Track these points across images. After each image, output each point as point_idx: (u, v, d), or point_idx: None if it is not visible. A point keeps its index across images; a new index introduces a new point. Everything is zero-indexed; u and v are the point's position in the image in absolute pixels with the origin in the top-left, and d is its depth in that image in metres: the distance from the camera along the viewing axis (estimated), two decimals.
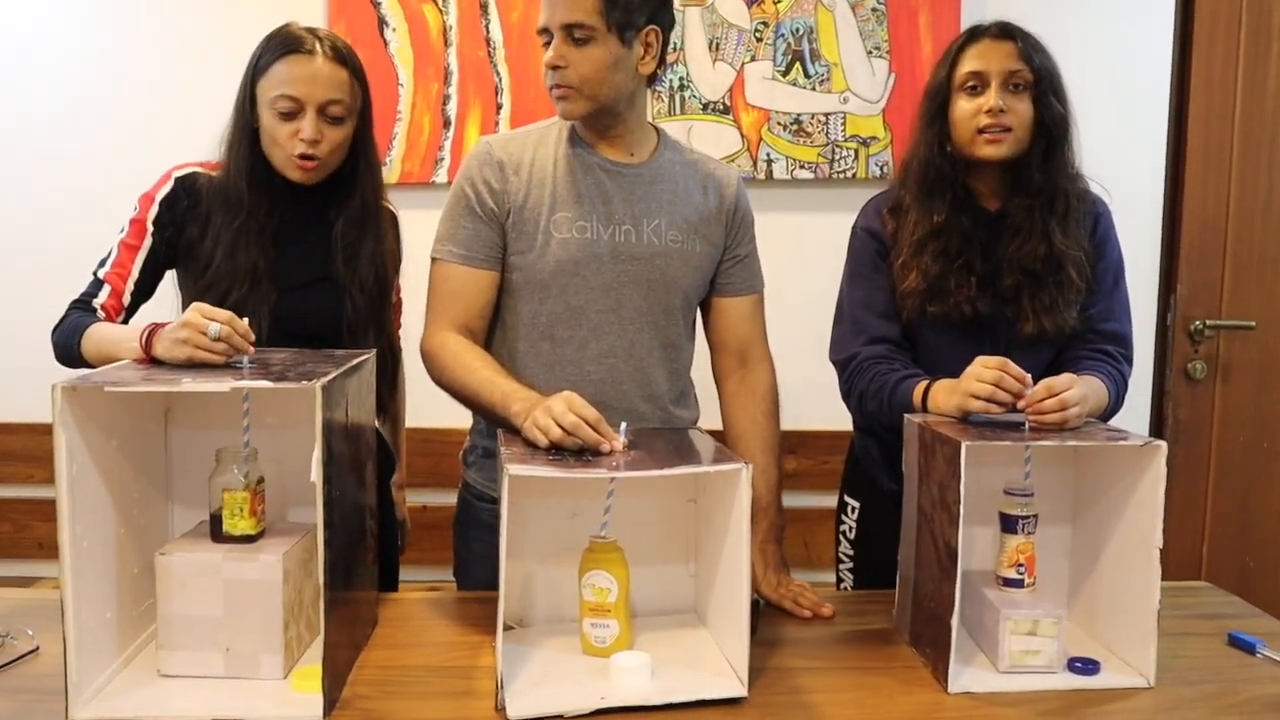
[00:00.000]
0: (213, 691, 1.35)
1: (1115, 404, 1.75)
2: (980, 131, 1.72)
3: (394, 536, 2.10)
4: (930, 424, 1.51)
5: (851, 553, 2.01)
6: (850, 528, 2.01)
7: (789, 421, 2.75)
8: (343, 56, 1.76)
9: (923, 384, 1.66)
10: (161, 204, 1.76)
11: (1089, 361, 1.74)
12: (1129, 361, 1.79)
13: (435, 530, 2.71)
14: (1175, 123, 2.80)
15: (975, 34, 1.77)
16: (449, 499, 2.05)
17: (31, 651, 1.49)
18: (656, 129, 1.87)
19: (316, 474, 1.28)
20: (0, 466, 2.80)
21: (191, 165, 1.80)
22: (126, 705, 1.31)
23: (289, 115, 1.71)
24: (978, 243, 1.76)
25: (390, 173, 2.67)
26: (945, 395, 1.59)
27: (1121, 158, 2.71)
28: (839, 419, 2.10)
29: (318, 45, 1.73)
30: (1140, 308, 2.75)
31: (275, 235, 1.77)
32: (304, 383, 1.28)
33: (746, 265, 1.89)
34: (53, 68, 2.76)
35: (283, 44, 1.73)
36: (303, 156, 1.72)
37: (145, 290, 1.78)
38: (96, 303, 1.71)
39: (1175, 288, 2.82)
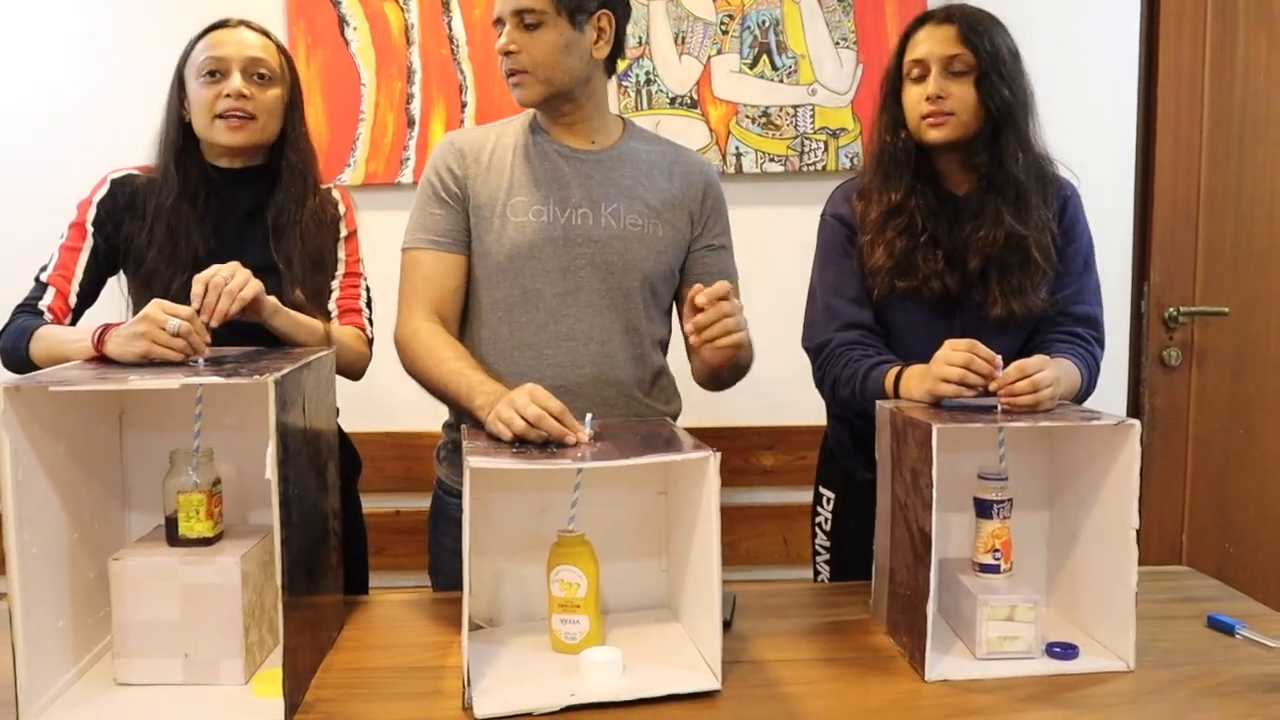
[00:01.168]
0: (171, 699, 1.31)
1: (1088, 387, 1.73)
2: (924, 117, 1.72)
3: (362, 539, 2.05)
4: (902, 409, 1.48)
5: (828, 544, 1.99)
6: (826, 519, 1.99)
7: (764, 418, 2.76)
8: (265, 31, 1.81)
9: (894, 370, 1.64)
10: (99, 205, 1.76)
11: (1061, 344, 1.73)
12: (1101, 344, 1.78)
13: (409, 535, 2.68)
14: (1144, 110, 2.79)
15: (922, 20, 1.76)
16: (422, 503, 2.02)
17: None
18: (625, 120, 1.87)
19: (271, 471, 1.24)
20: None
21: (127, 169, 1.81)
22: (81, 715, 1.27)
23: (214, 79, 1.73)
24: (945, 220, 1.75)
25: (355, 174, 2.64)
26: (917, 381, 1.57)
27: (1091, 145, 2.70)
28: (815, 414, 2.08)
29: (238, 22, 1.78)
30: (1114, 295, 2.75)
31: (215, 226, 1.76)
32: (256, 378, 1.25)
33: (719, 256, 1.87)
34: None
35: (207, 26, 1.78)
36: (232, 114, 1.72)
37: (89, 293, 1.76)
38: (42, 305, 1.68)
39: (1148, 275, 2.81)
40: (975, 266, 1.72)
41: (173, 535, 1.39)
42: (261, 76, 1.75)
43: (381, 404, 2.58)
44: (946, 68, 1.70)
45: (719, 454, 1.34)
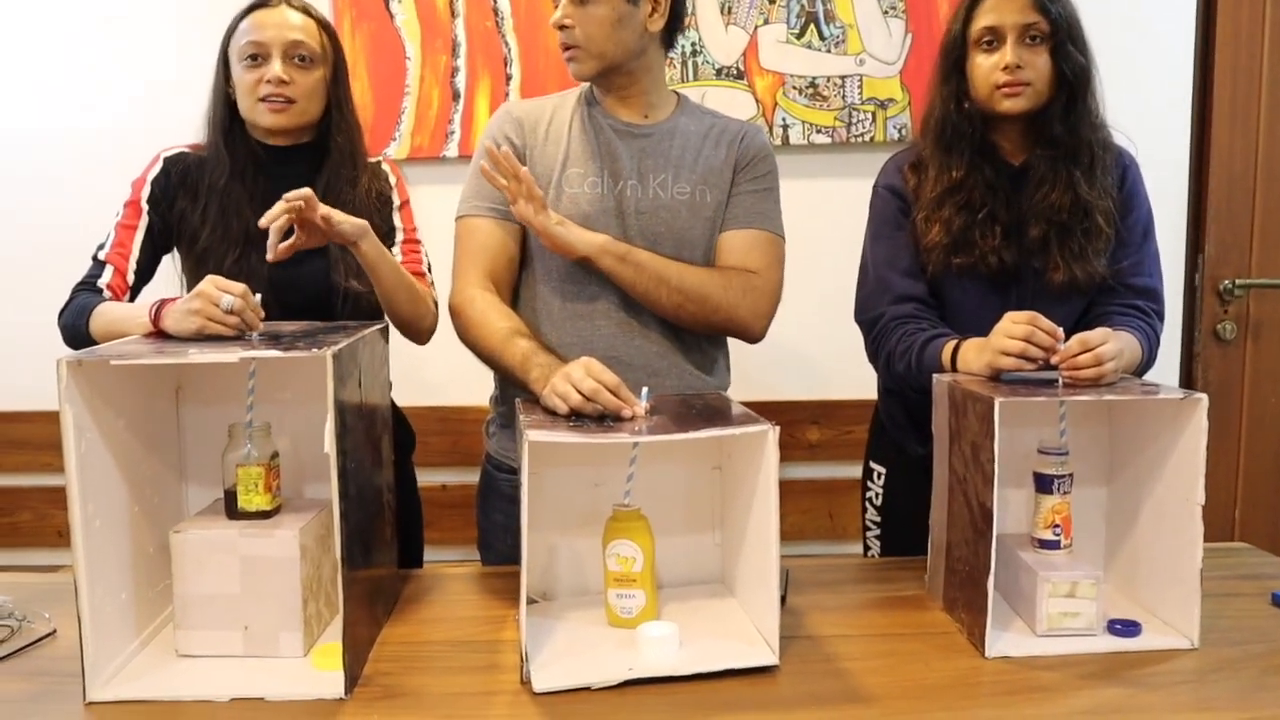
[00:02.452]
0: (232, 671, 1.32)
1: (1148, 360, 1.70)
2: (999, 87, 1.68)
3: (417, 513, 2.06)
4: (961, 383, 1.46)
5: (879, 519, 1.97)
6: (877, 494, 1.97)
7: (810, 392, 2.74)
8: (307, 9, 1.80)
9: (951, 343, 1.62)
10: (153, 183, 1.78)
11: (1120, 317, 1.70)
12: (1160, 317, 1.75)
13: (456, 509, 2.69)
14: (1200, 77, 2.72)
15: None
16: (469, 478, 2.02)
17: (49, 635, 1.46)
18: (679, 95, 1.87)
19: (330, 445, 1.24)
20: (18, 455, 2.77)
21: (179, 147, 1.82)
22: (145, 687, 1.29)
23: (256, 62, 1.74)
24: (1002, 194, 1.72)
25: (400, 148, 2.63)
26: (975, 353, 1.54)
27: (1145, 114, 2.62)
28: (862, 388, 2.06)
29: (283, 1, 1.78)
30: (1167, 268, 2.69)
31: (264, 202, 1.73)
32: (313, 351, 1.25)
33: (752, 200, 1.80)
34: (49, 57, 2.72)
35: (248, 7, 1.78)
36: (272, 98, 1.73)
37: (146, 270, 1.78)
38: (101, 283, 1.71)
39: (1203, 247, 2.75)
40: (1037, 234, 1.70)
41: (232, 508, 1.40)
42: (303, 59, 1.75)
43: (428, 378, 2.59)
44: (1023, 36, 1.67)
45: (778, 427, 1.32)
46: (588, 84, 1.81)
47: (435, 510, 2.61)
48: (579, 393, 1.40)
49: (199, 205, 1.76)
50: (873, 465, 2.00)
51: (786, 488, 2.74)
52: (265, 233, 1.68)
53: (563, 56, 1.74)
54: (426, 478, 2.57)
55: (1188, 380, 2.81)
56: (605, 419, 1.39)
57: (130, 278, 1.73)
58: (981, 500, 1.35)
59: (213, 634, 1.36)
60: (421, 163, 2.62)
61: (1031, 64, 1.67)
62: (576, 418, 1.41)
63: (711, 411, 1.45)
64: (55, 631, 1.46)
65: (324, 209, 1.59)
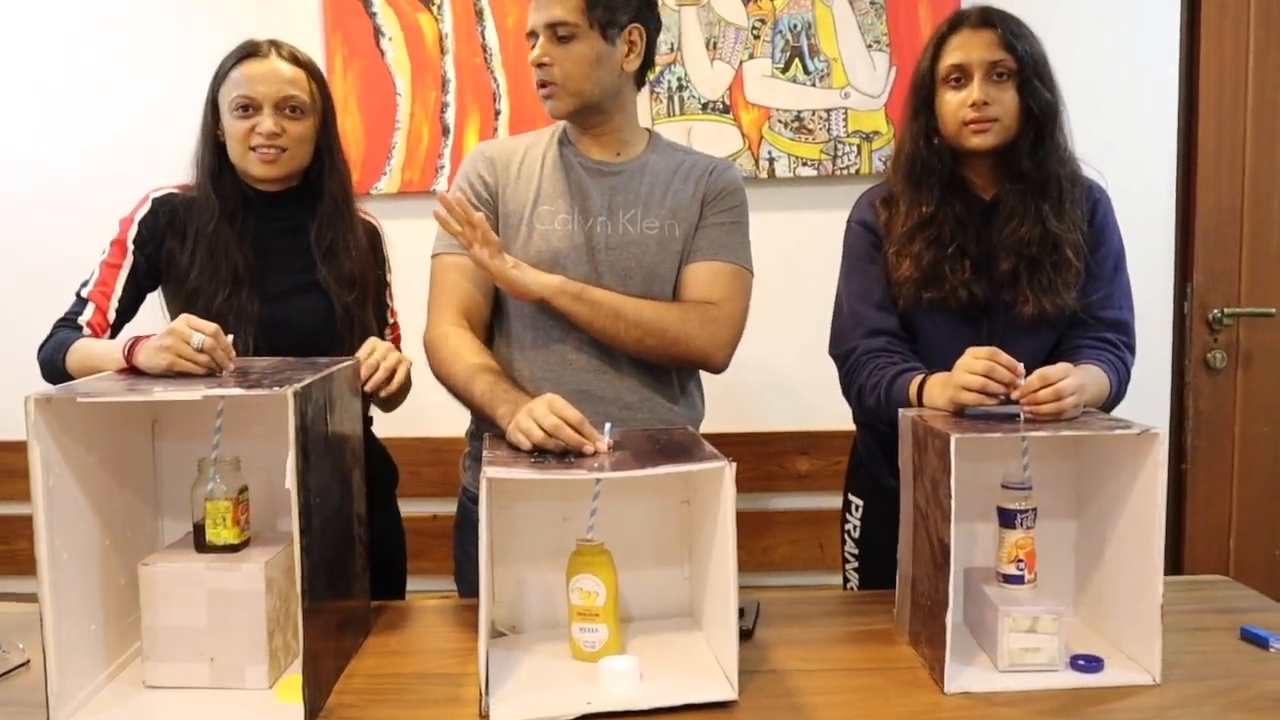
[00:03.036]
0: (197, 703, 1.34)
1: (1117, 394, 1.71)
2: (966, 124, 1.69)
3: (400, 546, 2.08)
4: (923, 418, 1.47)
5: (857, 552, 1.98)
6: (855, 526, 1.98)
7: (799, 423, 2.75)
8: (298, 59, 1.80)
9: (918, 378, 1.63)
10: (140, 224, 1.80)
11: (1089, 350, 1.70)
12: (1131, 350, 1.75)
13: (445, 539, 2.68)
14: (1186, 108, 2.73)
15: (956, 23, 1.74)
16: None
17: (22, 665, 1.48)
18: (650, 132, 1.89)
19: (291, 480, 1.26)
20: (17, 484, 2.80)
21: (168, 187, 1.84)
22: (109, 717, 1.30)
23: (246, 113, 1.75)
24: (972, 229, 1.73)
25: (391, 182, 2.67)
26: (939, 389, 1.56)
27: (1131, 143, 2.65)
28: (850, 419, 2.06)
29: (273, 50, 1.79)
30: (1155, 297, 2.72)
31: (254, 243, 1.79)
32: (275, 389, 1.27)
33: (718, 233, 1.81)
34: (38, 86, 2.77)
35: (240, 51, 1.78)
36: (264, 149, 1.75)
37: (128, 309, 1.80)
38: (81, 320, 1.73)
39: (1192, 276, 2.75)
40: (1006, 268, 1.71)
41: (200, 542, 1.42)
42: (294, 110, 1.77)
43: (417, 409, 2.61)
44: (989, 73, 1.68)
45: (734, 464, 1.34)
46: (562, 123, 1.84)
47: (425, 540, 2.62)
48: (541, 429, 1.41)
49: (187, 247, 1.78)
50: (851, 497, 2.01)
51: (776, 518, 2.80)
52: (253, 273, 1.75)
53: (539, 94, 1.77)
54: (417, 508, 2.60)
55: (1179, 409, 2.80)
56: (568, 454, 1.41)
57: (111, 316, 1.76)
58: (941, 536, 1.36)
59: (179, 666, 1.38)
60: (411, 197, 2.65)
61: (998, 100, 1.68)
62: (539, 453, 1.42)
63: (675, 447, 1.46)
64: (29, 662, 1.48)
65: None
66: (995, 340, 1.56)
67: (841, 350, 1.81)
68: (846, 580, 2.01)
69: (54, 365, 1.65)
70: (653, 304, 1.75)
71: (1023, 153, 1.71)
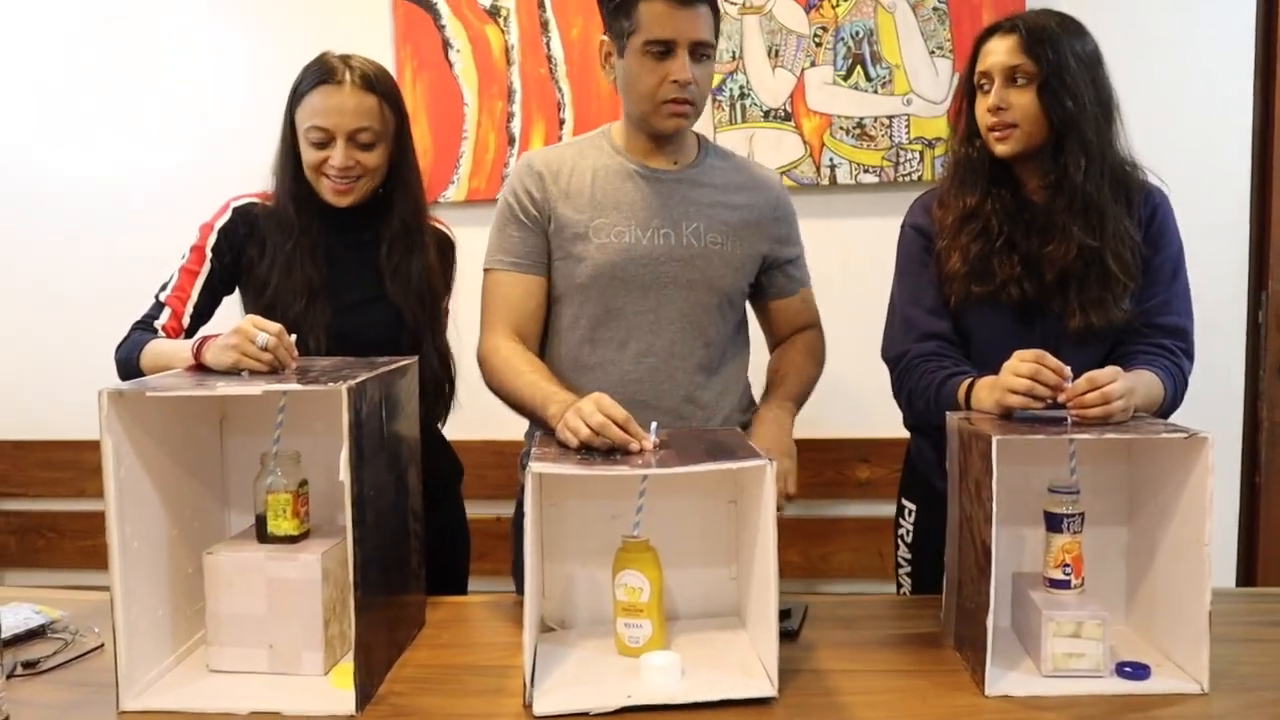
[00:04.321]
0: (256, 687, 1.40)
1: (1172, 401, 1.68)
2: (990, 129, 1.70)
3: (464, 542, 2.13)
4: (970, 420, 1.47)
5: (910, 556, 1.97)
6: (908, 531, 1.97)
7: (860, 430, 2.74)
8: (371, 84, 1.80)
9: (966, 381, 1.63)
10: (220, 233, 1.85)
11: (1144, 356, 1.68)
12: (1189, 357, 1.72)
13: (508, 541, 2.75)
14: (1263, 112, 2.67)
15: (989, 32, 1.74)
16: None
17: (97, 648, 1.56)
18: (699, 137, 1.90)
19: (344, 474, 1.31)
20: (88, 481, 2.96)
21: (248, 196, 1.89)
22: (173, 699, 1.37)
23: (321, 144, 1.78)
24: (1021, 224, 1.72)
25: (458, 190, 2.74)
26: (986, 391, 1.55)
27: (1203, 146, 2.61)
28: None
29: (347, 75, 1.78)
30: (1230, 304, 2.66)
31: (327, 255, 1.83)
32: (331, 385, 1.32)
33: (796, 266, 1.93)
34: (121, 103, 2.91)
35: (316, 74, 1.79)
36: (337, 179, 1.79)
37: (203, 313, 1.86)
38: (157, 324, 1.79)
39: (1266, 283, 2.68)
40: (1051, 278, 1.70)
41: (261, 533, 1.48)
42: (367, 144, 1.79)
43: (484, 413, 2.66)
44: (1008, 79, 1.68)
45: (775, 462, 1.35)
46: (610, 127, 1.86)
47: (489, 541, 2.67)
48: (588, 427, 1.45)
49: (266, 258, 1.83)
50: (905, 502, 2.00)
51: (836, 526, 2.79)
52: (326, 284, 1.80)
53: (670, 111, 1.73)
54: (482, 510, 2.64)
55: (1252, 420, 2.73)
56: (614, 453, 1.44)
57: (185, 321, 1.81)
58: (983, 538, 1.36)
59: (241, 651, 1.44)
60: (478, 204, 2.71)
61: (1016, 106, 1.67)
62: (586, 451, 1.46)
63: (720, 447, 1.49)
64: (102, 646, 1.56)
65: None
66: (1049, 344, 1.54)
67: (893, 354, 1.82)
68: (900, 585, 2.01)
69: (129, 365, 1.72)
70: (809, 369, 1.93)
71: (1048, 160, 1.70)
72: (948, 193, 1.79)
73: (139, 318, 1.82)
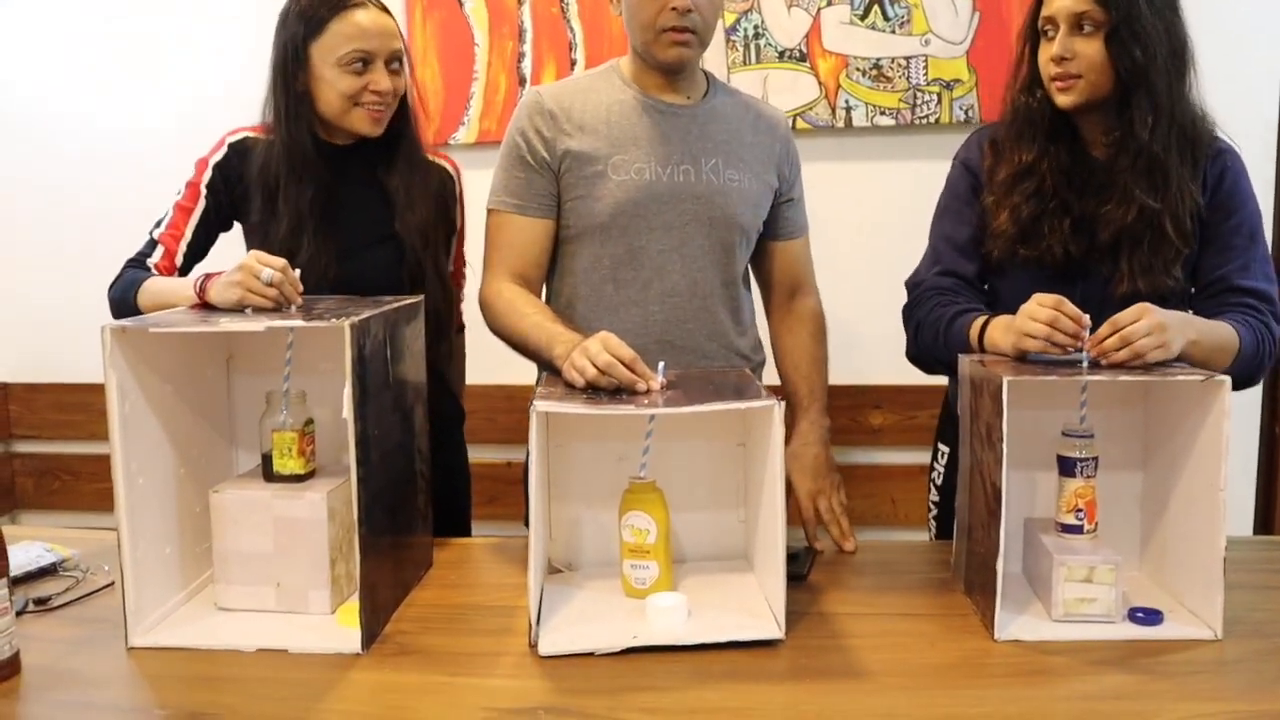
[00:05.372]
0: (263, 624, 1.40)
1: (1255, 355, 1.56)
2: (1052, 79, 1.62)
3: (465, 486, 2.12)
4: (983, 363, 1.45)
5: (938, 499, 1.95)
6: (939, 474, 1.94)
7: (872, 376, 2.72)
8: (384, 5, 1.79)
9: (980, 319, 1.59)
10: (215, 168, 1.81)
11: (1225, 314, 1.58)
12: (1277, 319, 1.61)
13: (518, 485, 2.75)
14: None
15: None
16: None
17: (107, 586, 1.57)
18: (705, 73, 1.87)
19: (348, 411, 1.31)
20: (100, 424, 2.96)
21: (244, 130, 1.84)
22: (181, 635, 1.37)
23: (360, 69, 1.73)
24: (1076, 183, 1.65)
25: (469, 132, 2.70)
26: (1001, 333, 1.52)
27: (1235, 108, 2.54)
28: (925, 374, 2.03)
29: (369, 1, 1.75)
30: None
31: (328, 196, 1.79)
32: (334, 321, 1.31)
33: (797, 207, 1.91)
34: (104, 32, 2.89)
35: (332, 2, 1.73)
36: (374, 106, 1.75)
37: (198, 251, 1.83)
38: (150, 262, 1.77)
39: None
40: (1106, 239, 1.63)
41: (268, 471, 1.48)
42: (399, 63, 1.77)
43: (494, 356, 2.65)
44: (1074, 25, 1.59)
45: (784, 403, 1.34)
46: (618, 61, 1.83)
47: (499, 486, 2.68)
48: (595, 366, 1.43)
49: (268, 201, 1.77)
50: (939, 445, 1.97)
51: (849, 472, 2.73)
52: (330, 227, 1.75)
53: (670, 40, 1.70)
54: (492, 454, 2.65)
55: (1274, 366, 2.68)
56: (621, 392, 1.42)
57: (179, 260, 1.78)
58: (994, 481, 1.34)
59: (248, 589, 1.44)
60: (488, 146, 2.67)
61: (1082, 54, 1.58)
62: (593, 391, 1.44)
63: (727, 387, 1.47)
64: (112, 584, 1.56)
65: None
66: (1091, 308, 1.44)
67: (912, 281, 1.80)
68: (930, 529, 1.99)
69: (125, 303, 1.69)
70: (824, 375, 1.93)
71: (1110, 113, 1.61)
72: (1003, 142, 1.71)
73: (132, 255, 1.79)
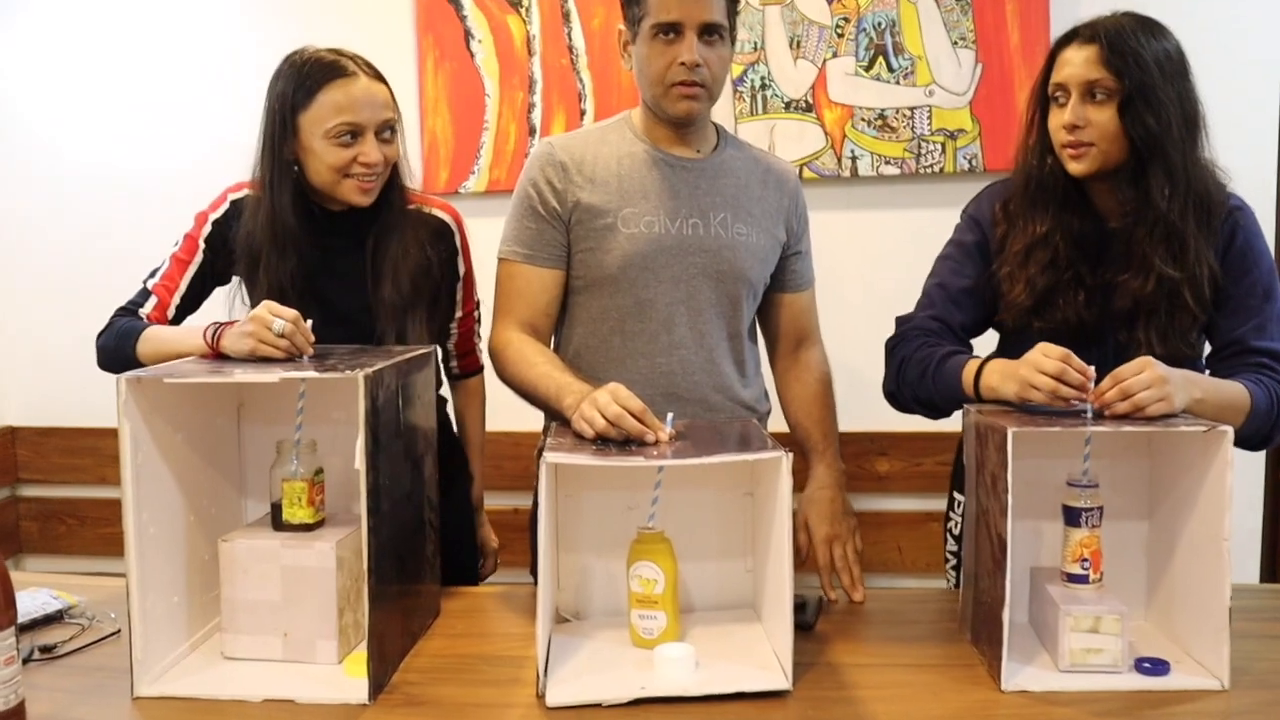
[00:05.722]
0: (270, 674, 1.40)
1: (1268, 415, 1.55)
2: (1063, 146, 1.61)
3: (469, 532, 2.12)
4: (985, 413, 1.46)
5: (956, 549, 1.94)
6: (957, 524, 1.94)
7: (879, 424, 2.72)
8: (378, 73, 1.74)
9: (974, 361, 1.60)
10: (215, 224, 1.79)
11: (1238, 375, 1.57)
12: None
13: (526, 533, 2.75)
14: None
15: (1066, 38, 1.63)
16: None
17: (113, 634, 1.57)
18: (717, 126, 1.89)
19: (360, 461, 1.32)
20: (108, 468, 2.98)
21: (247, 187, 1.80)
22: (188, 685, 1.37)
23: (349, 141, 1.69)
24: (1090, 253, 1.64)
25: (479, 181, 2.74)
26: (1000, 379, 1.51)
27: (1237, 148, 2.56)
28: (930, 421, 2.04)
29: (355, 66, 1.71)
30: None
31: (322, 266, 1.76)
32: (347, 372, 1.32)
33: (804, 260, 1.92)
34: (123, 78, 2.94)
35: (321, 71, 1.69)
36: (365, 178, 1.71)
37: (191, 304, 1.81)
38: (142, 312, 1.74)
39: None
40: (1122, 307, 1.62)
41: (277, 520, 1.49)
42: (390, 133, 1.73)
43: (500, 403, 2.67)
44: (1086, 93, 1.57)
45: (791, 454, 1.34)
46: (630, 113, 1.85)
47: (507, 534, 2.66)
48: (604, 418, 1.44)
49: (247, 263, 1.75)
50: (955, 494, 1.96)
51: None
52: (313, 297, 1.68)
53: (674, 93, 1.71)
54: (499, 501, 2.64)
55: None
56: (630, 443, 1.43)
57: (171, 312, 1.76)
58: (999, 531, 1.35)
59: (255, 639, 1.44)
60: (498, 195, 2.71)
61: (1094, 123, 1.57)
62: (602, 442, 1.45)
63: (736, 438, 1.48)
64: (119, 632, 1.57)
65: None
66: (1103, 374, 1.43)
67: (903, 318, 1.81)
68: (948, 579, 1.99)
69: (122, 352, 1.66)
70: (834, 422, 1.92)
71: (1124, 183, 1.60)
72: (1015, 210, 1.70)
73: (123, 304, 1.77)
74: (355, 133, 1.69)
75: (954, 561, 1.96)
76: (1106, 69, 1.55)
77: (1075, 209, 1.65)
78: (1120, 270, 1.62)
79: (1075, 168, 1.61)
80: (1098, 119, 1.57)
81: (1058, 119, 1.62)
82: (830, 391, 1.93)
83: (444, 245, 1.89)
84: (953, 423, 1.92)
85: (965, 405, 1.56)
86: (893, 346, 1.79)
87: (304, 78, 1.69)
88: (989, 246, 1.74)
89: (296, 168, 1.74)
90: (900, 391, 1.76)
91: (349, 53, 1.74)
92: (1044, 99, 1.66)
